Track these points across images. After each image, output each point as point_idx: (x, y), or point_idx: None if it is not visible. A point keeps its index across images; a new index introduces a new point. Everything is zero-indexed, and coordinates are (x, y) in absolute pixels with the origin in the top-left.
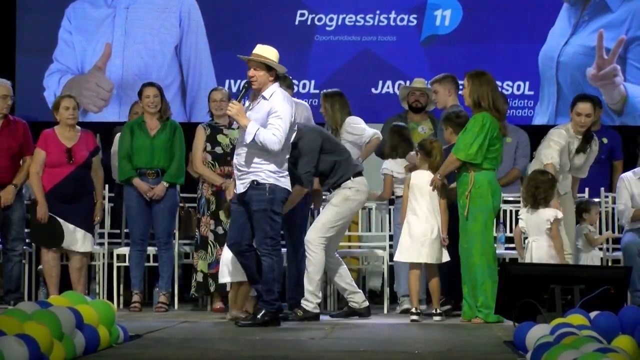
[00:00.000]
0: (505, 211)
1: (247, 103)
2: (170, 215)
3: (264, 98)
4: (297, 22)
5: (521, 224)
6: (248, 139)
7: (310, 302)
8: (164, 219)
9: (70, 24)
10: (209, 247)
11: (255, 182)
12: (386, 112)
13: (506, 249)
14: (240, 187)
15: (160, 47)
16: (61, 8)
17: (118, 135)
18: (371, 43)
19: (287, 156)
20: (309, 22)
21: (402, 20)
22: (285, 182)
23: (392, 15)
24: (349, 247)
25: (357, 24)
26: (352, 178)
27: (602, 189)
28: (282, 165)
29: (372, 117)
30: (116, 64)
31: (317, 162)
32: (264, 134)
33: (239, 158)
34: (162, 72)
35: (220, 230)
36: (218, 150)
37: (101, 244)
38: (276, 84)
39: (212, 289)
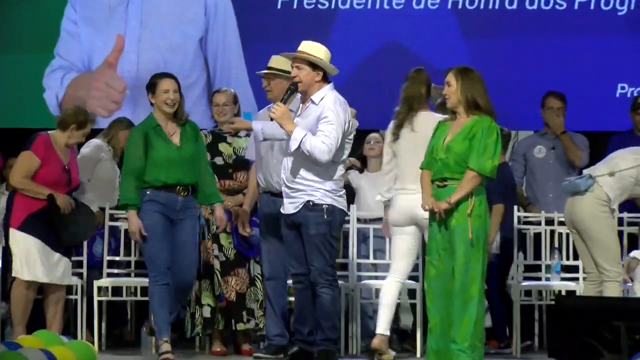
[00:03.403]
0: (560, 235)
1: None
2: (196, 243)
3: (313, 102)
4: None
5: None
6: (293, 146)
7: None
8: (188, 244)
9: (76, 13)
10: (215, 277)
11: (310, 203)
12: None
13: (562, 279)
14: (290, 207)
15: (182, 39)
16: None
17: (96, 142)
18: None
19: (343, 172)
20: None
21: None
22: (342, 203)
23: None
24: (376, 277)
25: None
26: None
27: None
28: (340, 182)
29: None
30: (130, 59)
31: None
32: (312, 141)
33: (287, 173)
34: (185, 70)
35: (222, 257)
36: (218, 161)
37: (79, 275)
38: (328, 87)
39: (219, 326)
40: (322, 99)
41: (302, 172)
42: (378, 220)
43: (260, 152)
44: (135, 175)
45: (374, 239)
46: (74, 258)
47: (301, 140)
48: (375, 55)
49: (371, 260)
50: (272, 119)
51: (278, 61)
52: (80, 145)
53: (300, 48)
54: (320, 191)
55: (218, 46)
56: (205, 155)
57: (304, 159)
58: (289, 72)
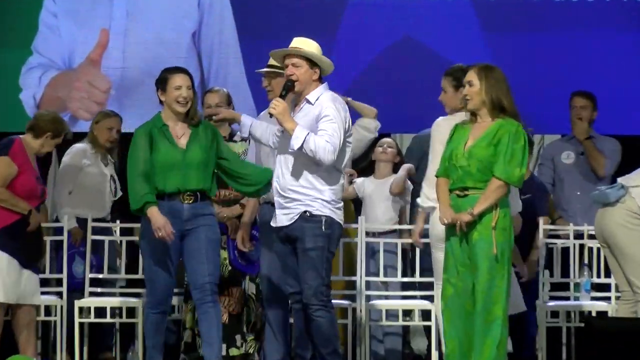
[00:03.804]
0: (590, 249)
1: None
2: (216, 250)
3: (309, 102)
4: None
5: None
6: (296, 144)
7: None
8: (208, 255)
9: (56, 4)
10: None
11: (307, 214)
12: (428, 120)
13: (592, 298)
14: (284, 219)
15: (174, 34)
16: None
17: (77, 147)
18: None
19: (343, 182)
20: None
21: None
22: (340, 216)
23: None
24: (386, 296)
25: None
26: None
27: None
28: (339, 193)
29: (408, 124)
30: (115, 56)
31: None
32: (315, 139)
33: (282, 181)
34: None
35: None
36: None
37: (58, 294)
38: (323, 86)
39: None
40: (318, 98)
41: (299, 180)
42: (388, 233)
43: (260, 158)
44: (146, 177)
45: (385, 254)
46: (52, 275)
47: (304, 139)
48: (388, 52)
49: (381, 278)
50: (271, 116)
51: (304, 43)
52: (59, 153)
53: (293, 44)
54: (318, 201)
55: (213, 41)
56: (231, 154)
57: (300, 165)
58: None
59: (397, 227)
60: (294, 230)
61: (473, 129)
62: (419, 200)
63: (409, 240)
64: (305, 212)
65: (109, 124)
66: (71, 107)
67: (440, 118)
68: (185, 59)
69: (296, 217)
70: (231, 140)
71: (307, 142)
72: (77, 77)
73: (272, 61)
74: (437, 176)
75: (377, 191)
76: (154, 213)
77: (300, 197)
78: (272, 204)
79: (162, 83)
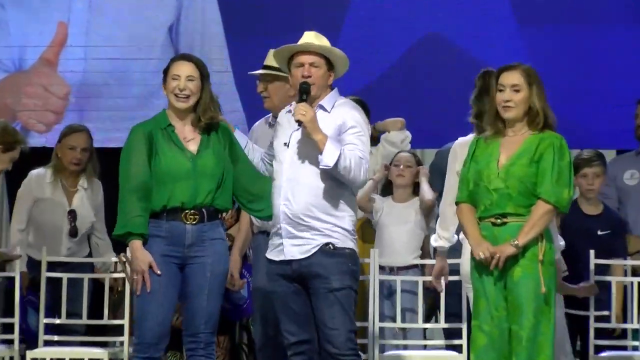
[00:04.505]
0: None
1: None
2: (221, 289)
3: (324, 110)
4: None
5: None
6: (329, 160)
7: None
8: (211, 297)
9: None
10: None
11: (330, 247)
12: (455, 132)
13: None
14: (295, 250)
15: (146, 29)
16: None
17: (32, 174)
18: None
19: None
20: None
21: None
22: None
23: None
24: (405, 346)
25: None
26: None
27: None
28: (355, 222)
29: (431, 137)
30: (76, 55)
31: None
32: (349, 155)
33: (293, 205)
34: (150, 67)
35: None
36: None
37: (8, 342)
38: (335, 91)
39: None
40: (334, 106)
41: (317, 204)
42: (409, 268)
43: None
44: (140, 194)
45: (403, 294)
46: (2, 320)
47: (340, 154)
48: (406, 53)
49: (398, 324)
50: (299, 123)
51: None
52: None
53: (309, 40)
54: (339, 231)
55: (194, 38)
56: (247, 163)
57: (317, 186)
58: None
59: (420, 261)
60: (311, 266)
61: (504, 144)
62: (432, 240)
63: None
64: (327, 244)
65: (71, 142)
66: (22, 116)
67: (461, 140)
68: (160, 60)
69: (314, 250)
70: None
71: (344, 158)
72: (29, 80)
73: (268, 61)
74: (458, 202)
75: (395, 217)
76: (137, 249)
77: (318, 225)
78: (268, 234)
79: (164, 73)
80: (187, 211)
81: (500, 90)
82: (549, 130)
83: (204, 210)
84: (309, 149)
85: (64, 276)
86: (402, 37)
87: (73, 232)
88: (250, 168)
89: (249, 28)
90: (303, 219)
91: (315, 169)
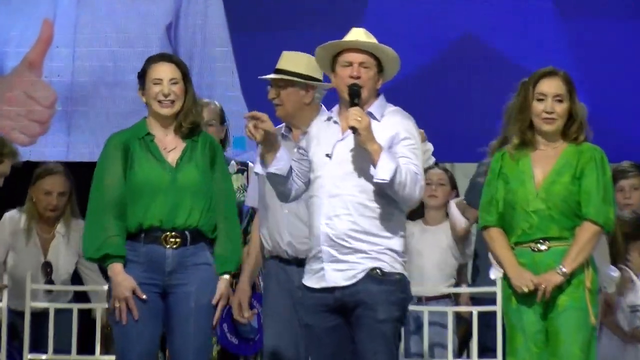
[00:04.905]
0: None
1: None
2: (208, 321)
3: (372, 117)
4: None
5: None
6: (384, 174)
7: None
8: (197, 329)
9: None
10: None
11: (378, 272)
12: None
13: None
14: (338, 276)
15: (141, 27)
16: None
17: (6, 217)
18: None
19: None
20: None
21: None
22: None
23: None
24: None
25: None
26: None
27: None
28: (405, 242)
29: (464, 150)
30: (63, 56)
31: None
32: (405, 170)
33: (337, 224)
34: None
35: None
36: None
37: None
38: (382, 97)
39: None
40: (384, 114)
41: (364, 223)
42: (439, 299)
43: (265, 198)
44: (116, 211)
45: (431, 327)
46: None
47: (397, 168)
48: (435, 56)
49: None
50: (353, 129)
51: (295, 61)
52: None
53: (355, 37)
54: (388, 254)
55: (195, 36)
56: (228, 187)
57: (364, 202)
58: (309, 77)
59: (453, 290)
60: (357, 294)
61: (536, 158)
62: (491, 274)
63: (467, 309)
64: (374, 269)
65: (47, 186)
66: (2, 126)
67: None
68: None
69: (361, 276)
70: None
71: (399, 173)
72: (11, 85)
73: (283, 64)
74: (485, 227)
75: (427, 242)
76: (118, 273)
77: (366, 247)
78: (281, 259)
79: (141, 77)
80: (166, 233)
81: (540, 100)
82: (585, 142)
83: (186, 232)
84: (357, 161)
85: (51, 306)
86: (432, 37)
87: (48, 291)
88: (221, 197)
89: (256, 26)
90: (348, 240)
91: (362, 183)
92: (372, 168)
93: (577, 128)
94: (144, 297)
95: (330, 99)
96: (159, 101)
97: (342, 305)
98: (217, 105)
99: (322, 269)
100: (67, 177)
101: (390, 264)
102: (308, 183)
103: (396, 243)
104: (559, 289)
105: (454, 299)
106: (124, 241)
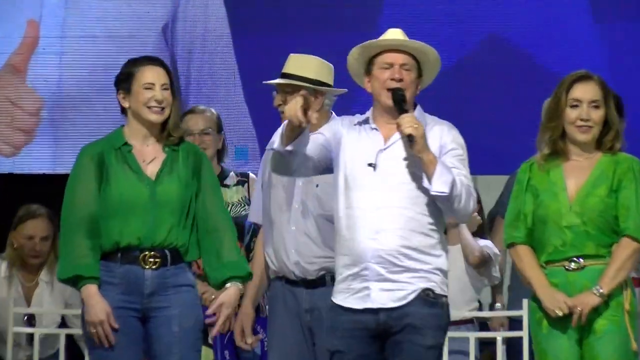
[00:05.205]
0: None
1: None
2: (195, 346)
3: None
4: None
5: None
6: (441, 187)
7: None
8: (183, 352)
9: None
10: None
11: (430, 294)
12: (521, 154)
13: None
14: (385, 297)
15: (135, 29)
16: None
17: None
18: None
19: None
20: None
21: None
22: None
23: None
24: None
25: None
26: None
27: None
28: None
29: (489, 161)
30: (49, 61)
31: None
32: (460, 181)
33: (388, 238)
34: None
35: None
36: None
37: None
38: (418, 105)
39: None
40: (427, 123)
41: (415, 240)
42: (460, 324)
43: (270, 213)
44: (88, 229)
45: (452, 356)
46: None
47: (454, 181)
48: (459, 61)
49: None
50: (410, 137)
51: (303, 64)
52: None
53: (394, 37)
54: (437, 274)
55: (194, 39)
56: (218, 197)
57: (416, 217)
58: (318, 82)
59: (476, 314)
60: (405, 316)
61: (568, 169)
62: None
63: (490, 334)
64: (426, 290)
65: (28, 230)
66: None
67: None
68: None
69: (412, 297)
70: (222, 185)
71: (456, 184)
72: None
73: (290, 68)
74: (512, 244)
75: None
76: (92, 295)
77: (417, 265)
78: (288, 280)
79: (124, 81)
80: (145, 253)
81: (574, 106)
82: (619, 151)
83: (166, 251)
84: (405, 172)
85: (36, 332)
86: (455, 39)
87: (29, 340)
88: (210, 209)
89: (260, 27)
90: (399, 257)
91: (413, 195)
92: (424, 180)
93: (613, 137)
94: (116, 326)
95: (340, 106)
96: (149, 107)
97: (385, 329)
98: (214, 112)
99: (367, 288)
100: (50, 220)
101: (439, 286)
102: (311, 166)
103: (444, 262)
104: (596, 312)
105: (477, 323)
106: (97, 261)
